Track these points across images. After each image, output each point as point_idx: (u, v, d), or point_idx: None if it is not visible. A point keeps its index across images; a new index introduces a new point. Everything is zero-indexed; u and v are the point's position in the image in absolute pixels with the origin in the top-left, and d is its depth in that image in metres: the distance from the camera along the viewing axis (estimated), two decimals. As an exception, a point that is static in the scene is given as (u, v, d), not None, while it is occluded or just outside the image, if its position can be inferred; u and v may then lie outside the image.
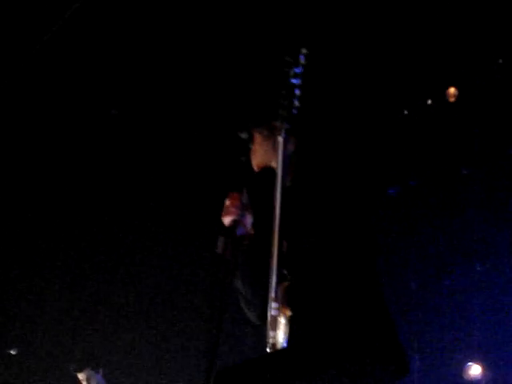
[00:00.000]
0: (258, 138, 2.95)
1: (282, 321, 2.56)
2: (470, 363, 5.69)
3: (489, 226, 5.52)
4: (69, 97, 5.72)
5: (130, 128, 5.93)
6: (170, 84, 5.59)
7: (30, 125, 5.81)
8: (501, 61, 5.28)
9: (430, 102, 5.62)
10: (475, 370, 5.69)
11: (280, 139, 2.72)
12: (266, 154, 2.89)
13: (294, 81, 2.66)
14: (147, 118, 5.90)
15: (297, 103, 2.67)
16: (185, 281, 6.05)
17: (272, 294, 2.57)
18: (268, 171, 2.88)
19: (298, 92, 2.67)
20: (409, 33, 5.12)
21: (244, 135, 2.95)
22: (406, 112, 5.68)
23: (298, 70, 2.68)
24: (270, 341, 2.60)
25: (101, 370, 5.45)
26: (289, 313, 2.56)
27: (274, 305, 2.56)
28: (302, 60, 2.68)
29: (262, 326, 2.69)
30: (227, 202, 2.82)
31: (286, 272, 2.65)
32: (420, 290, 5.84)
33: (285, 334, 2.56)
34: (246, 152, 2.96)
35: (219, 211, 2.84)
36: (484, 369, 5.65)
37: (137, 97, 5.80)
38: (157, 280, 6.11)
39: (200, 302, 5.85)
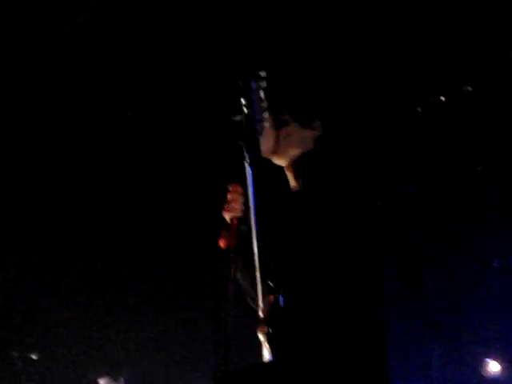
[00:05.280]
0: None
1: (261, 338, 2.47)
2: (488, 360, 5.71)
3: (504, 225, 5.51)
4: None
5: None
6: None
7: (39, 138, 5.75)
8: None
9: (443, 98, 5.56)
10: (494, 366, 5.71)
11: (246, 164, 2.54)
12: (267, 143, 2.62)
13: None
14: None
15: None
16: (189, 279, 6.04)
17: (259, 303, 2.48)
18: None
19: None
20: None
21: (238, 117, 2.63)
22: (419, 109, 5.63)
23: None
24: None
25: (122, 379, 5.47)
26: (265, 330, 2.45)
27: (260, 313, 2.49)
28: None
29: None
30: (229, 197, 2.60)
31: (272, 285, 2.52)
32: (437, 286, 5.85)
33: (267, 349, 2.47)
34: (243, 136, 2.63)
35: (220, 205, 2.61)
36: (502, 365, 5.67)
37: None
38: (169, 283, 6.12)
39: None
